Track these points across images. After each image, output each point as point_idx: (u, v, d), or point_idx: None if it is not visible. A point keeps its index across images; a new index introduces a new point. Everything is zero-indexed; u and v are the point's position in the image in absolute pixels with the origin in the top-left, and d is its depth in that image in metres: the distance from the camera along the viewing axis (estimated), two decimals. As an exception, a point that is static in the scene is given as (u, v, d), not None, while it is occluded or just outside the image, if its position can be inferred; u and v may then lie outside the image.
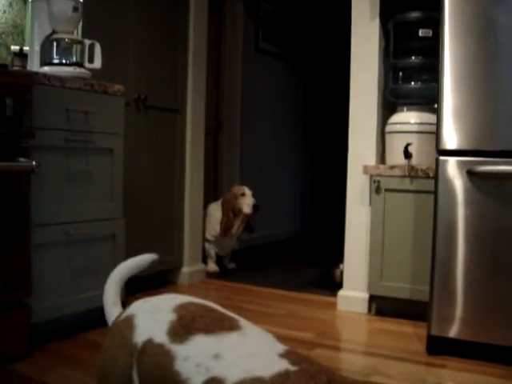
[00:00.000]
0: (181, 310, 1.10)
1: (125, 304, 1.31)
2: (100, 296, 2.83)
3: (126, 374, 1.07)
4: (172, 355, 1.01)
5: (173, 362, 1.00)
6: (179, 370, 0.98)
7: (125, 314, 1.16)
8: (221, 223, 4.30)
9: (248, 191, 4.36)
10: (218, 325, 1.05)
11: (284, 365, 0.93)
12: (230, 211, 4.29)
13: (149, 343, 1.06)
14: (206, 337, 1.02)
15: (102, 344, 1.17)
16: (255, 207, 4.29)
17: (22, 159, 2.31)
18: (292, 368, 0.92)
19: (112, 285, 1.36)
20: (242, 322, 1.09)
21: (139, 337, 1.08)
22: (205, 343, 1.01)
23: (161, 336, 1.05)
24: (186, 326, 1.05)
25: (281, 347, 1.00)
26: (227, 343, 1.00)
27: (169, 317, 1.09)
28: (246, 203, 4.29)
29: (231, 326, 1.05)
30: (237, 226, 4.35)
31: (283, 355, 0.96)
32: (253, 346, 1.00)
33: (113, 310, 1.31)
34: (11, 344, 2.35)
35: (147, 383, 1.04)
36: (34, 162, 2.32)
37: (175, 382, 0.98)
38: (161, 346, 1.04)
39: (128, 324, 1.12)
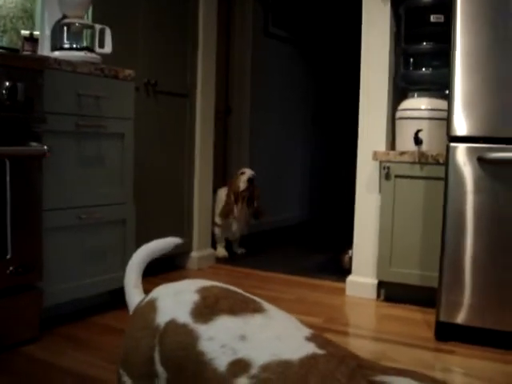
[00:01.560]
0: (203, 291, 1.10)
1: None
2: (110, 280, 2.88)
3: (148, 356, 1.07)
4: (196, 335, 1.00)
5: (196, 341, 1.00)
6: (203, 349, 0.98)
7: (147, 299, 1.16)
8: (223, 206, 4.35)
9: (248, 171, 4.38)
10: (242, 306, 1.04)
11: (311, 348, 0.92)
12: (232, 194, 4.33)
13: (171, 323, 1.05)
14: (230, 318, 1.01)
15: (125, 329, 1.18)
16: (249, 180, 4.31)
17: (33, 144, 2.32)
18: (319, 351, 0.91)
19: (134, 266, 1.35)
20: (266, 304, 1.08)
21: (161, 318, 1.08)
22: (230, 324, 1.00)
23: (184, 316, 1.05)
24: (209, 306, 1.05)
25: (306, 330, 0.99)
26: (253, 325, 0.99)
27: (192, 298, 1.08)
28: (242, 180, 4.31)
29: (255, 308, 1.04)
30: (239, 209, 4.35)
31: (309, 338, 0.96)
32: (279, 329, 0.99)
33: (133, 291, 1.30)
34: (23, 327, 2.37)
35: (170, 363, 1.03)
36: (45, 147, 2.33)
37: (199, 362, 0.97)
38: (184, 326, 1.03)
39: (150, 307, 1.12)
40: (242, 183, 4.31)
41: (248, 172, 4.35)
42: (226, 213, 4.32)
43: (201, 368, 0.97)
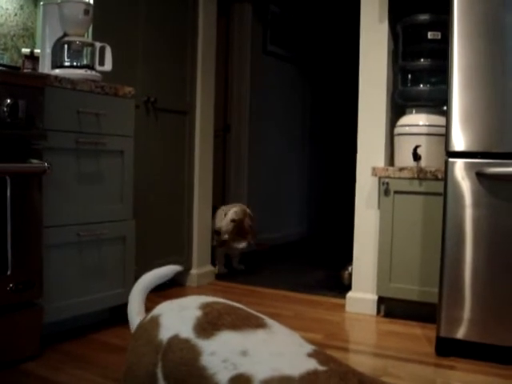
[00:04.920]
0: (206, 307, 1.10)
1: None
2: (110, 297, 2.88)
3: (151, 372, 1.07)
4: (198, 350, 1.01)
5: (199, 356, 1.00)
6: (205, 364, 0.98)
7: (150, 315, 1.16)
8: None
9: (231, 212, 4.23)
10: (244, 322, 1.05)
11: (313, 364, 0.92)
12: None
13: (174, 339, 1.06)
14: (232, 333, 1.02)
15: (128, 346, 1.17)
16: (233, 221, 4.17)
17: (34, 161, 2.33)
18: (321, 368, 0.91)
19: (136, 294, 1.36)
20: (269, 320, 1.08)
21: (164, 334, 1.08)
22: (231, 339, 1.00)
23: (186, 332, 1.05)
24: (212, 322, 1.05)
25: (309, 347, 1.00)
26: (254, 340, 1.00)
27: (195, 313, 1.09)
28: (225, 222, 4.19)
29: (258, 324, 1.05)
30: (230, 240, 4.25)
31: (311, 355, 0.96)
32: (280, 345, 1.00)
33: (137, 319, 1.31)
34: (23, 344, 2.36)
35: (173, 379, 1.03)
36: (46, 164, 2.33)
37: (201, 376, 0.98)
38: (186, 341, 1.03)
39: (153, 323, 1.13)
40: (225, 226, 4.18)
41: (229, 214, 4.23)
42: (220, 243, 4.25)
43: (203, 383, 0.97)
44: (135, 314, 1.32)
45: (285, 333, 1.05)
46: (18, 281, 2.31)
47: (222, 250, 4.36)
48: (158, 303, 1.20)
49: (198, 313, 1.09)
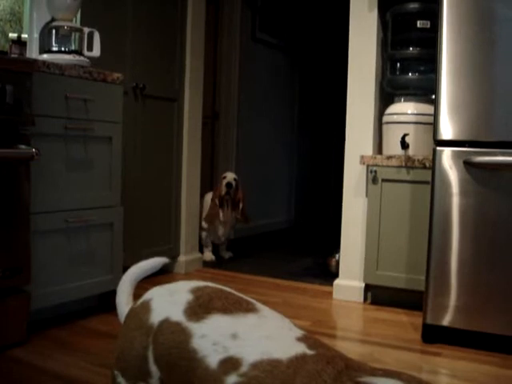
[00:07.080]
0: (197, 291, 1.11)
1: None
2: (97, 283, 2.88)
3: (142, 356, 1.08)
4: (189, 333, 1.02)
5: (189, 339, 1.01)
6: (196, 347, 0.99)
7: (141, 300, 1.17)
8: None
9: (230, 174, 4.40)
10: (235, 306, 1.06)
11: (301, 348, 0.94)
12: (217, 198, 4.33)
13: (165, 322, 1.06)
14: (223, 316, 1.03)
15: (117, 331, 1.18)
16: (227, 185, 4.30)
17: (22, 146, 2.31)
18: (309, 352, 0.93)
19: (125, 286, 1.36)
20: (259, 305, 1.10)
21: (156, 317, 1.09)
22: (222, 322, 1.01)
23: (177, 315, 1.06)
24: (203, 305, 1.06)
25: (298, 331, 1.01)
26: (245, 324, 1.01)
27: (186, 297, 1.09)
28: (223, 185, 4.33)
29: (248, 308, 1.06)
30: (224, 213, 4.36)
31: (300, 339, 0.97)
32: (270, 329, 1.01)
33: (126, 309, 1.32)
34: (10, 330, 2.36)
35: (163, 362, 1.04)
36: (33, 149, 2.32)
37: (192, 359, 0.99)
38: (177, 324, 1.04)
39: (144, 307, 1.13)
40: (223, 188, 4.33)
41: (228, 176, 4.36)
42: (211, 218, 4.32)
43: (193, 365, 0.99)
44: (124, 305, 1.33)
45: (275, 317, 1.06)
46: (5, 267, 2.30)
47: (208, 233, 4.39)
48: (146, 290, 1.20)
49: (189, 296, 1.09)
